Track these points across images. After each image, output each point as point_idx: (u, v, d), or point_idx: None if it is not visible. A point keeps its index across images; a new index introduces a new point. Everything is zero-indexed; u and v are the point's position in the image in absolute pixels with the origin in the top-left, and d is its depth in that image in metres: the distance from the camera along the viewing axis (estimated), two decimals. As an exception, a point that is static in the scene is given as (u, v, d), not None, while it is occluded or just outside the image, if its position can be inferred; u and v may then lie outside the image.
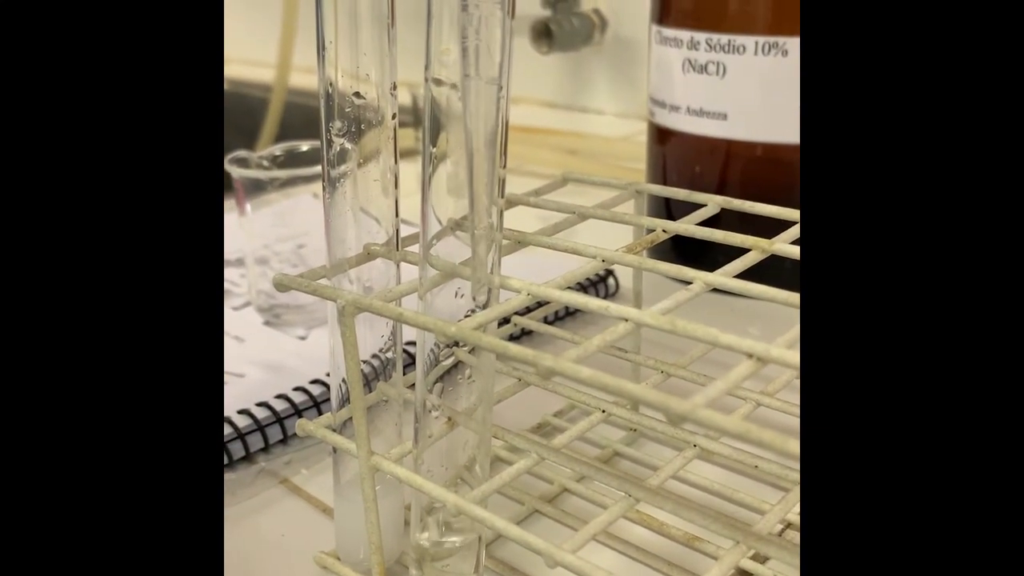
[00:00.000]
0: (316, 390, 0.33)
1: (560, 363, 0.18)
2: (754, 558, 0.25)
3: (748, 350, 0.18)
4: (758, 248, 0.23)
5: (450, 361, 0.22)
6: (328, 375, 0.34)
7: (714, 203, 0.27)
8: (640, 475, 0.30)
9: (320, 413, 0.33)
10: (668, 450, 0.31)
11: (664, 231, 0.25)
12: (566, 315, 0.40)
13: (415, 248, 0.25)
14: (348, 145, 0.23)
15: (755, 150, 0.40)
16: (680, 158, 0.43)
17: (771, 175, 0.40)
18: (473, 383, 0.22)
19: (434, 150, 0.20)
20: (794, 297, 0.20)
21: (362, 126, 0.23)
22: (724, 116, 0.40)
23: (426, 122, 0.20)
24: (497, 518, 0.20)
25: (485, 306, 0.22)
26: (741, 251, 0.23)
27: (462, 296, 0.21)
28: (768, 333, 0.38)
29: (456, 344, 0.22)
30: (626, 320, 0.20)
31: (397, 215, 0.24)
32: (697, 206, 0.27)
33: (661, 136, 0.44)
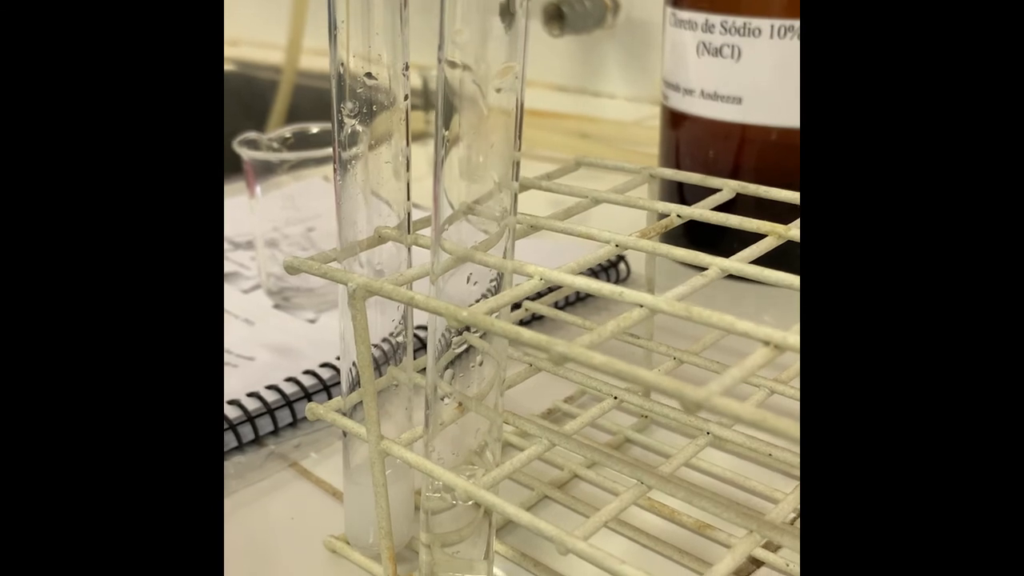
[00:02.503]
0: (326, 373, 0.33)
1: (573, 349, 0.17)
2: (766, 546, 0.25)
3: (765, 337, 0.18)
4: (774, 234, 0.23)
5: (462, 346, 0.21)
6: (338, 358, 0.34)
7: (729, 188, 0.26)
8: (651, 462, 0.30)
9: (330, 396, 0.33)
10: (680, 437, 0.31)
11: (679, 216, 0.25)
12: (577, 300, 0.40)
13: (427, 232, 0.25)
14: (359, 127, 0.23)
15: (770, 134, 0.39)
16: (694, 142, 0.42)
17: (786, 160, 0.40)
18: (484, 368, 0.22)
19: (447, 133, 0.20)
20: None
21: (374, 108, 0.23)
22: (739, 100, 0.39)
23: (439, 104, 0.20)
24: (508, 504, 0.20)
25: (497, 291, 0.22)
26: (755, 237, 0.23)
27: (475, 283, 0.21)
28: (783, 320, 0.38)
29: (467, 329, 0.21)
30: (641, 306, 0.19)
31: (408, 198, 0.24)
32: (711, 191, 0.26)
33: (675, 120, 0.43)
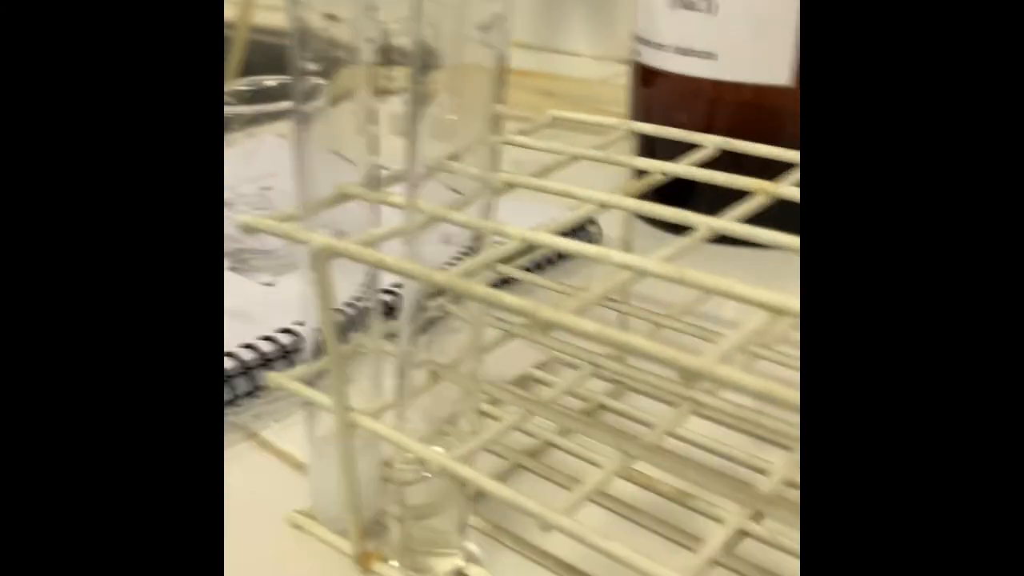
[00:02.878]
0: (286, 339, 0.32)
1: (561, 316, 0.16)
2: (750, 517, 0.24)
3: (763, 302, 0.17)
4: (763, 192, 0.22)
5: (436, 312, 0.20)
6: (299, 324, 0.33)
7: (712, 144, 0.25)
8: (627, 429, 0.29)
9: (291, 363, 0.32)
10: (654, 403, 0.30)
11: (663, 174, 0.23)
12: (547, 263, 0.39)
13: (393, 190, 0.23)
14: (321, 80, 0.22)
15: (744, 92, 0.38)
16: (665, 100, 0.41)
17: (759, 120, 0.39)
18: (460, 335, 0.21)
19: (423, 87, 0.18)
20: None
21: (337, 59, 0.21)
22: (713, 56, 0.38)
23: (416, 56, 0.18)
24: (485, 478, 0.19)
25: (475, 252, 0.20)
26: (730, 195, 0.22)
27: (453, 244, 0.19)
28: (751, 282, 0.37)
29: (442, 293, 0.20)
30: (628, 269, 0.18)
31: (375, 154, 0.22)
32: (685, 148, 0.25)
33: (646, 77, 0.42)
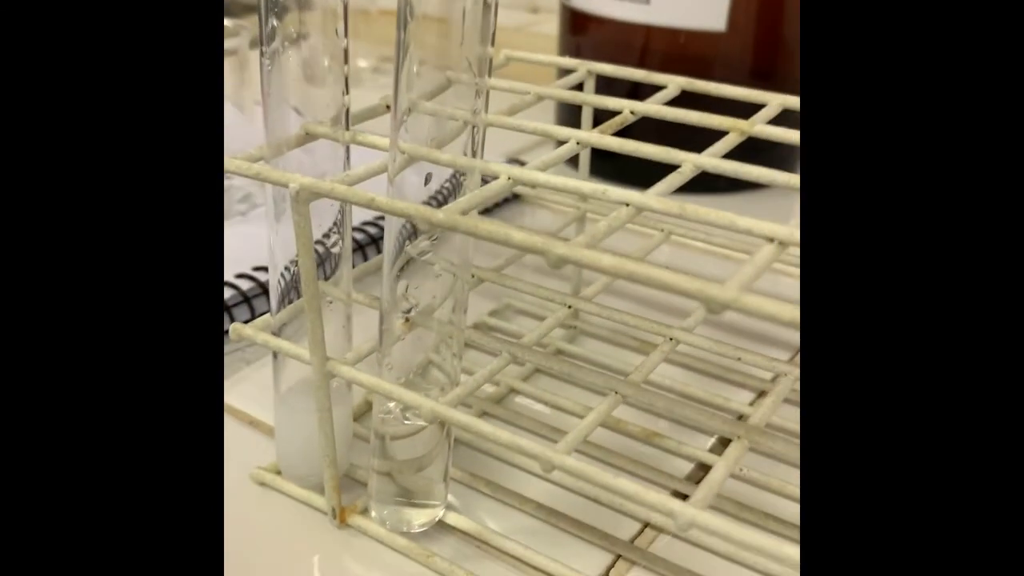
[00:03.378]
0: (226, 293, 0.30)
1: (576, 251, 0.16)
2: (712, 451, 0.25)
3: (770, 234, 0.17)
4: (736, 130, 0.22)
5: (418, 256, 0.19)
6: (238, 276, 0.31)
7: (675, 84, 0.25)
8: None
9: (231, 318, 0.30)
10: (611, 347, 0.30)
11: (632, 112, 0.23)
12: (494, 206, 0.38)
13: (362, 128, 0.22)
14: (286, 14, 0.20)
15: (677, 38, 0.38)
16: (597, 48, 0.41)
17: (691, 66, 0.39)
18: (440, 279, 0.20)
19: (410, 22, 0.18)
20: (794, 179, 0.19)
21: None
22: None
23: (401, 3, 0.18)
24: (483, 423, 0.19)
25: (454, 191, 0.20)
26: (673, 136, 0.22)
27: (445, 182, 0.19)
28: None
29: (429, 235, 0.19)
30: (627, 204, 0.18)
31: (347, 92, 0.21)
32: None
33: (576, 22, 0.41)
